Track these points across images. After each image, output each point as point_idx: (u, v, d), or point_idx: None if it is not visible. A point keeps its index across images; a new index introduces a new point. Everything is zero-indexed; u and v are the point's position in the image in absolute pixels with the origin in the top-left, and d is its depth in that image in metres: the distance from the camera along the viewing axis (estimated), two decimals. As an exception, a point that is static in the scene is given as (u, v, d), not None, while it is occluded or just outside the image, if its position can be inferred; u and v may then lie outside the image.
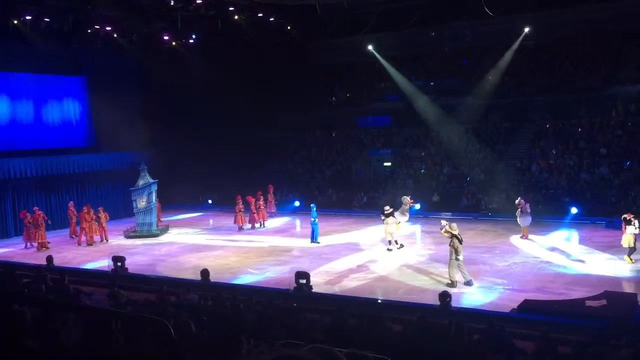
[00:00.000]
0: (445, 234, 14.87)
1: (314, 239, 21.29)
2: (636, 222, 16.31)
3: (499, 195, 25.71)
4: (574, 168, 27.08)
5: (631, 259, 16.31)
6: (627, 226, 16.40)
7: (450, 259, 14.72)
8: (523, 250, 18.92)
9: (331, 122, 35.53)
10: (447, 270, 14.96)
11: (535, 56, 32.15)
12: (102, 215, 23.39)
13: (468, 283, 14.65)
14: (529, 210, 20.49)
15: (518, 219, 20.56)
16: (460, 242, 14.63)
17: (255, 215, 25.39)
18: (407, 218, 20.83)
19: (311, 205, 22.05)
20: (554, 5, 29.63)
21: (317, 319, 10.42)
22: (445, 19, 29.96)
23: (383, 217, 19.35)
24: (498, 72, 31.33)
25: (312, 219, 21.30)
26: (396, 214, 19.77)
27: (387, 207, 19.45)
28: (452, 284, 14.54)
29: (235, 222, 24.94)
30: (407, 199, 20.60)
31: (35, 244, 22.16)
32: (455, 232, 14.55)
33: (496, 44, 32.65)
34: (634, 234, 16.24)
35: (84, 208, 23.27)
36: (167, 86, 28.91)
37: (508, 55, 31.02)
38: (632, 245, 16.25)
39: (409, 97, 33.08)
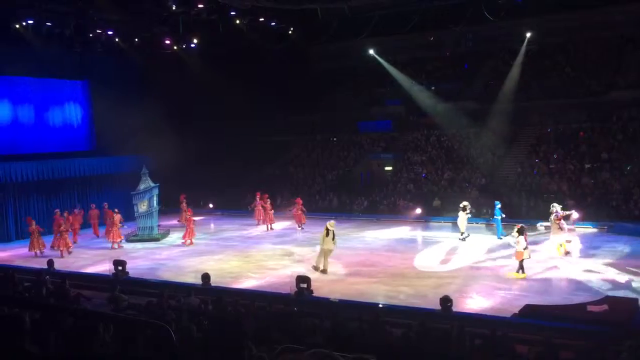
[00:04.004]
0: (331, 228, 16.86)
1: (498, 235, 21.54)
2: (521, 238, 15.70)
3: (500, 200, 25.62)
4: (575, 172, 27.06)
5: (520, 273, 15.69)
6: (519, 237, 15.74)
7: (321, 247, 16.90)
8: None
9: (332, 126, 35.52)
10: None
11: (536, 61, 32.19)
12: (116, 217, 23.46)
13: (323, 271, 16.72)
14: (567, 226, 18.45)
15: (554, 234, 18.33)
16: (328, 235, 16.71)
17: (268, 215, 25.50)
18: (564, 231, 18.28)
19: (495, 202, 22.19)
20: (555, 11, 29.69)
21: (317, 323, 10.39)
22: (446, 24, 29.99)
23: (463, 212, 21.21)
24: (499, 76, 31.34)
25: (496, 217, 21.62)
26: (546, 224, 19.21)
27: (465, 203, 21.59)
28: (316, 269, 16.79)
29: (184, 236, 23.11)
30: (556, 207, 18.28)
31: (66, 249, 21.73)
32: (332, 229, 16.87)
33: (497, 48, 32.72)
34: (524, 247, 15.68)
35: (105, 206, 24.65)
36: (168, 90, 28.92)
37: (519, 59, 31.03)
38: (527, 257, 15.82)
39: (410, 101, 33.11)
